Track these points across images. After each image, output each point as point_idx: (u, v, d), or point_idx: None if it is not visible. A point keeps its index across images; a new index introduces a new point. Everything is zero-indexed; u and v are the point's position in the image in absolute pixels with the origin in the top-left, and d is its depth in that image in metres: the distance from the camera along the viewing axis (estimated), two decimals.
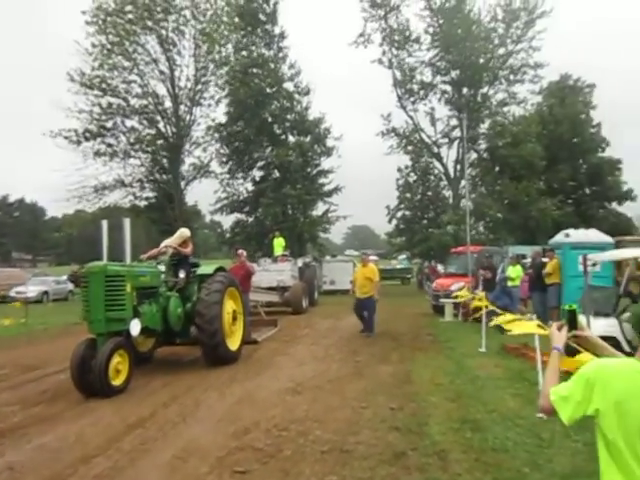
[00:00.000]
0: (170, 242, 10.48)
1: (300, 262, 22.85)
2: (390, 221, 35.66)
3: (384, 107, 45.73)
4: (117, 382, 7.77)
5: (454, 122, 34.75)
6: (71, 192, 30.39)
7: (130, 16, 29.64)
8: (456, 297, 15.36)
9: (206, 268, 10.59)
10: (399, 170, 35.31)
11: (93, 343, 7.94)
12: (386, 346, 11.65)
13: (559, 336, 2.43)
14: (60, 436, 5.90)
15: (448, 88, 34.69)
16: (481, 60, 32.40)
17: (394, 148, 36.01)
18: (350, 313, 19.35)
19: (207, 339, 9.49)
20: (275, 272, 20.18)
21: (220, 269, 10.69)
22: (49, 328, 16.99)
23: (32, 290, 28.75)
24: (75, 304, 28.25)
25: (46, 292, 30.41)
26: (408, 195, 34.58)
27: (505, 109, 34.83)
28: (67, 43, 39.32)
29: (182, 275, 10.03)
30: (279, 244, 23.16)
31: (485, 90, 34.18)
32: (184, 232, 10.73)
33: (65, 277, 37.23)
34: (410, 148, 35.64)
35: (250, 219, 34.90)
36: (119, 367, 7.81)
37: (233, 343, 10.26)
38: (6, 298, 27.57)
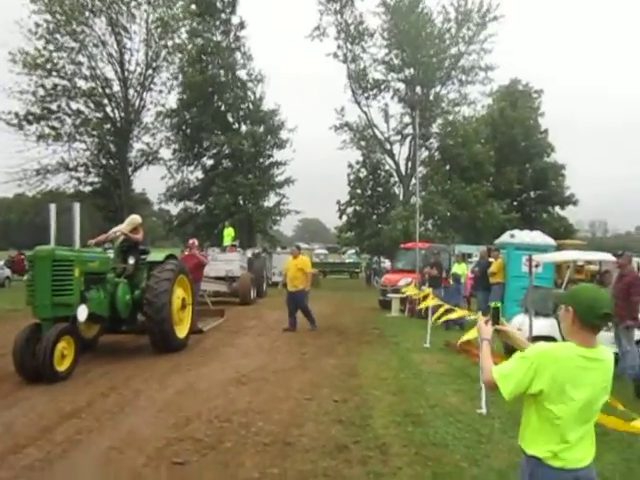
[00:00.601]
0: (120, 228, 10.38)
1: (249, 253, 22.70)
2: (341, 216, 35.83)
3: (339, 102, 45.69)
4: (62, 368, 7.64)
5: (407, 119, 35.13)
6: (11, 175, 29.21)
7: None
8: (403, 293, 15.51)
9: (156, 255, 10.50)
10: (350, 166, 35.48)
11: (38, 328, 7.80)
12: (332, 339, 11.66)
13: (486, 329, 2.84)
14: None
15: (401, 86, 35.02)
16: (434, 59, 32.79)
17: (347, 143, 36.17)
18: None
19: (155, 327, 9.46)
20: (224, 262, 19.97)
21: (171, 256, 10.59)
22: None
23: None
24: (12, 290, 27.27)
25: None
26: (359, 191, 34.77)
27: (457, 109, 35.43)
28: (7, 21, 37.57)
29: (131, 262, 9.95)
30: (229, 234, 22.93)
31: (438, 89, 34.66)
32: (135, 218, 10.62)
33: (2, 262, 35.79)
34: (363, 143, 35.82)
35: (200, 208, 34.40)
36: (65, 352, 7.69)
37: (181, 331, 10.24)
38: None
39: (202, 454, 4.90)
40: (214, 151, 33.81)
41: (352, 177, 35.27)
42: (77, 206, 9.52)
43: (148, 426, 5.67)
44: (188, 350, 10.09)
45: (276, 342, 11.25)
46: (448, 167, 34.05)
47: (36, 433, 5.39)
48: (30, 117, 29.28)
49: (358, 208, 35.12)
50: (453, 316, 9.30)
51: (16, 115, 28.88)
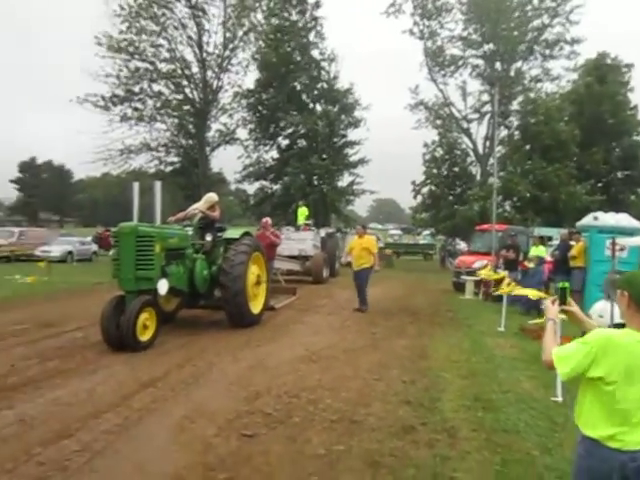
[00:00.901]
0: (198, 206, 10.74)
1: (323, 232, 22.76)
2: (415, 196, 35.29)
3: (414, 81, 44.80)
4: (144, 337, 8.09)
5: (485, 97, 34.11)
6: (98, 155, 30.68)
7: None
8: (478, 275, 15.15)
9: (233, 232, 10.76)
10: (426, 145, 34.81)
11: (122, 300, 8.22)
12: (404, 320, 11.58)
13: (552, 309, 2.83)
14: (72, 391, 5.97)
15: (480, 62, 33.91)
16: (515, 33, 31.47)
17: (422, 122, 35.52)
18: (370, 286, 19.39)
19: (230, 297, 9.75)
20: (297, 241, 20.16)
21: (246, 234, 10.83)
22: (71, 287, 17.20)
23: (56, 250, 29.25)
24: (98, 265, 28.71)
25: (70, 252, 30.77)
26: (435, 170, 34.08)
27: (539, 85, 33.98)
28: (96, 7, 39.19)
29: (209, 238, 10.27)
30: (302, 213, 23.10)
31: (519, 65, 33.36)
32: (212, 197, 10.93)
33: (90, 238, 37.69)
34: (439, 122, 35.08)
35: (275, 187, 34.83)
36: (147, 323, 8.12)
37: (255, 306, 10.52)
38: (31, 257, 28.01)
39: (271, 427, 5.00)
40: (289, 131, 34.01)
41: (428, 157, 34.60)
42: (158, 185, 10.11)
43: (220, 398, 5.84)
44: (260, 326, 10.30)
45: (347, 321, 11.29)
46: (528, 147, 32.74)
47: (115, 400, 5.67)
48: (115, 99, 30.61)
49: (433, 188, 34.43)
50: (525, 292, 8.99)
51: (102, 97, 30.25)
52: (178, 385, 6.26)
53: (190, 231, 10.20)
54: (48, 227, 66.57)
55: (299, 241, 20.12)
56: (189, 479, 3.98)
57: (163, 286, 8.60)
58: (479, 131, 34.83)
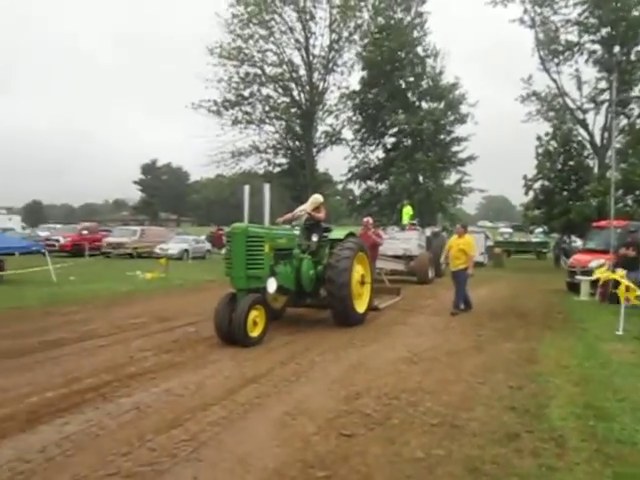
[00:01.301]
0: (304, 207, 11.04)
1: (428, 231, 22.43)
2: (527, 192, 33.80)
3: (523, 72, 42.69)
4: (254, 334, 8.43)
5: (603, 85, 31.91)
6: (211, 157, 32.19)
7: None
8: (594, 275, 14.28)
9: (337, 233, 10.91)
10: (539, 138, 33.22)
11: (234, 297, 8.62)
12: (512, 322, 11.15)
13: None
14: (183, 383, 6.29)
15: (597, 47, 31.77)
16: (635, 13, 29.15)
17: (533, 115, 33.91)
18: (477, 286, 18.84)
19: (336, 303, 9.99)
20: (402, 240, 20.01)
21: (351, 234, 10.98)
22: (185, 284, 18.18)
23: (174, 248, 30.99)
24: (211, 262, 30.05)
25: (186, 250, 32.47)
26: (548, 165, 32.44)
27: None
28: (210, 18, 41.08)
29: (315, 239, 10.59)
30: (407, 212, 22.90)
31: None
32: (317, 198, 11.23)
33: (204, 237, 39.53)
34: (552, 114, 33.33)
35: (381, 187, 34.70)
36: (256, 320, 8.45)
37: (360, 306, 10.65)
38: (151, 254, 29.90)
39: (369, 428, 5.00)
40: (395, 130, 33.76)
41: (540, 150, 33.02)
42: (267, 187, 10.61)
43: (320, 396, 5.92)
44: (363, 326, 10.32)
45: (451, 322, 11.05)
46: None
47: (222, 393, 5.92)
48: (226, 103, 31.91)
49: (547, 183, 32.83)
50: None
51: (215, 103, 31.65)
52: (281, 382, 6.42)
53: (297, 231, 10.47)
54: (167, 226, 70.57)
55: (404, 241, 19.95)
56: (288, 475, 4.06)
57: (272, 284, 8.98)
58: (596, 121, 32.72)
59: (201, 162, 32.63)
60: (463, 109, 33.03)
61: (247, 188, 10.33)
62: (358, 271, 10.65)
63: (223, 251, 33.66)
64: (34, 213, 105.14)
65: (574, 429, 5.05)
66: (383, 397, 5.90)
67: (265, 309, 8.73)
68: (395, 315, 11.88)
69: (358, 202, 35.82)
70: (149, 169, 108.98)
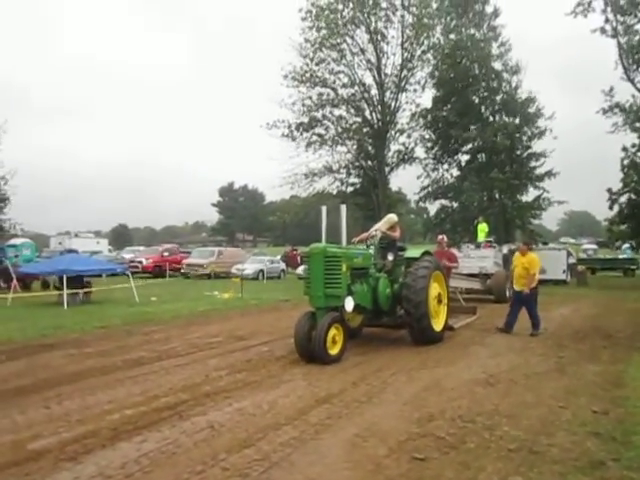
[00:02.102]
0: (379, 226, 11.11)
1: (505, 249, 21.80)
2: (612, 206, 32.19)
3: (603, 82, 40.85)
4: (334, 351, 8.57)
5: None
6: (285, 179, 32.70)
7: (342, 9, 30.67)
8: None
9: (413, 252, 10.98)
10: (625, 149, 31.65)
11: (313, 316, 8.81)
12: (596, 343, 10.59)
13: None
14: (256, 402, 6.36)
15: None
16: None
17: (619, 126, 32.37)
18: (559, 305, 18.11)
19: (414, 323, 9.99)
20: (477, 258, 19.58)
21: (426, 253, 11.00)
22: (260, 303, 18.46)
23: (249, 268, 31.61)
24: (286, 282, 30.44)
25: (262, 270, 33.05)
26: (635, 177, 30.78)
27: None
28: (283, 41, 42.26)
29: (390, 258, 10.61)
30: (482, 230, 22.40)
31: None
32: (392, 217, 11.30)
33: (279, 257, 40.09)
34: (638, 125, 31.70)
35: (455, 204, 34.10)
36: (335, 338, 8.61)
37: (438, 324, 10.62)
38: (229, 274, 30.62)
39: (443, 452, 4.86)
40: (469, 146, 33.19)
41: (626, 162, 31.44)
42: (344, 207, 10.75)
43: (392, 418, 5.81)
44: (437, 347, 10.11)
45: (530, 343, 10.63)
46: None
47: (294, 413, 5.93)
48: (300, 127, 32.37)
49: (634, 197, 31.18)
50: None
51: (288, 126, 32.20)
52: (352, 403, 6.36)
53: (372, 251, 10.52)
54: (243, 247, 72.11)
55: (479, 259, 19.51)
56: None
57: (349, 303, 9.03)
58: None
59: (275, 184, 33.18)
60: (540, 123, 32.02)
61: (324, 209, 10.55)
62: (435, 289, 10.61)
63: (298, 270, 34.14)
64: (120, 236, 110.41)
65: None
66: (457, 420, 5.73)
67: (344, 327, 8.85)
68: (471, 335, 11.59)
69: (433, 221, 35.31)
70: (226, 191, 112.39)
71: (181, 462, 4.64)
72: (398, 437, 5.22)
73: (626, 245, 38.37)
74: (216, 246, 48.53)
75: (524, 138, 31.77)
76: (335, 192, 34.16)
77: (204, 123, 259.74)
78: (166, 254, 36.17)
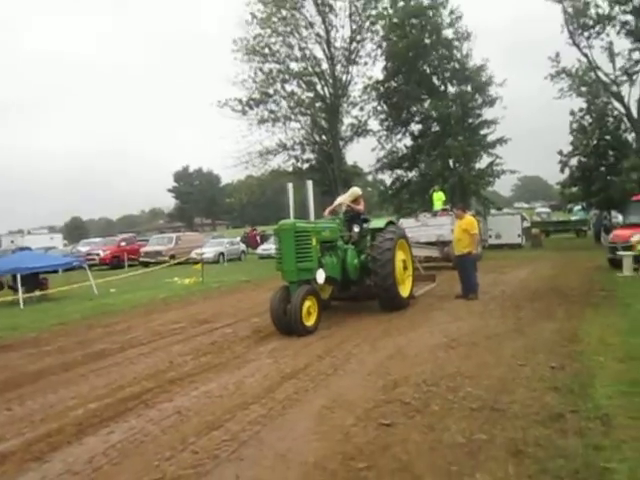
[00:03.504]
0: (343, 199, 11.42)
1: None
2: (563, 170, 32.99)
3: (550, 50, 41.56)
4: (309, 322, 8.96)
5: (637, 55, 30.86)
6: (239, 159, 32.32)
7: None
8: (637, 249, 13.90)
9: (377, 222, 11.32)
10: (572, 114, 32.38)
11: (287, 290, 9.08)
12: (552, 302, 10.91)
13: None
14: (223, 384, 6.38)
15: (629, 18, 30.74)
16: None
17: (565, 91, 33.02)
18: (515, 267, 18.57)
19: (381, 281, 10.31)
20: (434, 226, 19.87)
21: (391, 223, 11.43)
22: (222, 286, 18.39)
23: (209, 251, 31.29)
24: (247, 263, 30.32)
25: (222, 253, 32.82)
26: (584, 140, 31.55)
27: None
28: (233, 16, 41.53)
29: (356, 230, 10.99)
30: (439, 198, 22.64)
31: None
32: (356, 191, 11.59)
33: (238, 238, 39.85)
34: (584, 89, 32.40)
35: (411, 174, 34.27)
36: (310, 310, 8.91)
37: (404, 290, 11.07)
38: (188, 259, 30.24)
39: (409, 416, 4.96)
40: (421, 117, 33.28)
41: (575, 126, 32.21)
42: (310, 183, 11.07)
43: (358, 388, 5.90)
44: (399, 315, 10.27)
45: (489, 305, 10.90)
46: None
47: (261, 392, 5.97)
48: (251, 102, 31.98)
49: (583, 159, 32.01)
50: None
51: (240, 101, 31.78)
52: (318, 376, 6.43)
53: (338, 224, 10.83)
54: (202, 231, 71.33)
55: (437, 227, 19.79)
56: (329, 468, 4.06)
57: (321, 275, 9.39)
58: (632, 93, 31.66)
59: (229, 164, 32.69)
60: (492, 91, 32.16)
61: (290, 186, 10.85)
62: (400, 258, 11.00)
63: (258, 250, 34.07)
64: (75, 229, 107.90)
65: (620, 407, 4.91)
66: (422, 384, 5.85)
67: (317, 299, 9.20)
68: (431, 302, 11.80)
69: (389, 192, 35.47)
70: (181, 176, 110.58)
71: (150, 450, 4.62)
72: (364, 405, 5.31)
73: (577, 207, 39.50)
74: (174, 232, 47.97)
75: (476, 106, 31.95)
76: (290, 169, 34.00)
77: (153, 108, 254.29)
78: (123, 244, 35.55)
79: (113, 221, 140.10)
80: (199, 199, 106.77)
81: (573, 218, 42.30)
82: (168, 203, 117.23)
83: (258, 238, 43.05)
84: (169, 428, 5.10)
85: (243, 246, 37.49)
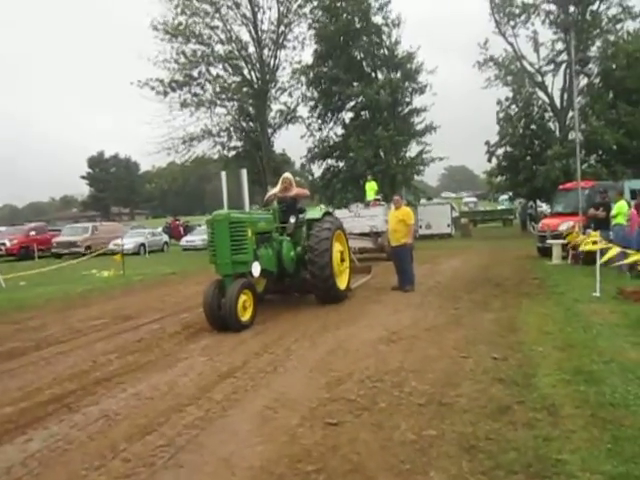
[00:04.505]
0: (274, 191, 11.36)
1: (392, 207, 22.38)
2: (490, 159, 34.18)
3: (479, 39, 42.49)
4: (245, 317, 8.80)
5: (560, 46, 32.35)
6: (161, 144, 31.35)
7: None
8: (565, 237, 14.53)
9: (314, 212, 11.28)
10: (499, 103, 33.56)
11: (221, 284, 8.97)
12: (487, 292, 11.24)
13: None
14: (153, 385, 6.10)
15: (553, 8, 32.14)
16: None
17: (492, 80, 34.16)
18: (448, 257, 19.04)
19: (318, 271, 10.24)
20: (368, 217, 20.01)
21: (327, 213, 11.42)
22: (145, 279, 17.84)
23: (129, 242, 30.32)
24: (170, 255, 29.61)
25: (143, 244, 31.93)
26: (510, 130, 32.74)
27: (618, 26, 31.76)
28: None
29: (292, 220, 10.85)
30: (371, 188, 22.81)
31: (595, 7, 31.32)
32: (285, 177, 11.46)
33: (160, 229, 38.89)
34: (510, 79, 33.62)
35: (342, 164, 34.39)
36: (246, 304, 8.83)
37: (342, 282, 11.08)
38: (107, 251, 29.15)
39: (356, 415, 4.90)
40: (352, 104, 33.34)
41: (501, 115, 33.36)
42: (244, 172, 10.74)
43: (300, 386, 5.80)
44: (337, 309, 10.25)
45: (427, 297, 11.07)
46: (612, 94, 30.99)
47: (196, 392, 5.74)
48: (174, 84, 30.98)
49: (509, 149, 33.23)
50: (628, 260, 8.51)
51: (161, 82, 30.71)
52: (257, 374, 6.27)
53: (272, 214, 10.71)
54: (120, 221, 69.12)
55: (370, 217, 19.96)
56: (276, 472, 3.93)
57: (257, 268, 9.27)
58: (555, 83, 33.16)
59: (150, 150, 31.65)
60: (421, 79, 32.65)
61: (224, 174, 10.47)
62: (338, 249, 10.98)
63: (182, 242, 33.37)
64: None
65: (565, 396, 5.05)
66: (366, 381, 5.81)
67: (253, 293, 9.06)
68: (368, 294, 11.86)
69: (319, 182, 35.42)
70: (96, 162, 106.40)
71: (75, 459, 4.33)
72: (309, 404, 5.20)
73: (504, 196, 41.10)
74: (89, 222, 46.19)
75: (406, 94, 32.36)
76: (216, 156, 33.42)
77: (63, 90, 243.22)
78: (33, 233, 33.80)
79: (19, 209, 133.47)
80: (116, 187, 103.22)
81: (499, 207, 43.97)
82: (82, 191, 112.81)
83: (181, 229, 42.20)
84: (96, 434, 4.81)
85: (166, 237, 36.63)
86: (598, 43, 31.54)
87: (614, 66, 30.03)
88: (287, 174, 11.59)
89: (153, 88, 30.73)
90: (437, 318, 8.93)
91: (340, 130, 34.26)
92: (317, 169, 35.65)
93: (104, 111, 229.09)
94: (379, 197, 22.56)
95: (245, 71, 32.41)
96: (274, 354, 7.16)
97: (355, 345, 7.41)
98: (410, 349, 7.05)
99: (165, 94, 30.99)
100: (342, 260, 11.20)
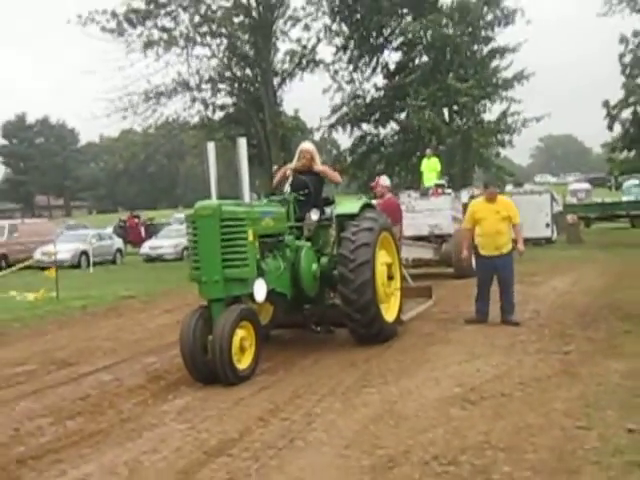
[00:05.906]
0: (290, 167, 11.31)
1: (465, 196, 22.26)
2: (611, 126, 33.95)
3: None
4: (243, 364, 8.66)
5: None
6: (113, 102, 31.47)
7: None
8: None
9: (347, 205, 11.20)
10: (623, 41, 33.27)
11: (207, 313, 8.82)
12: (615, 328, 11.17)
13: None
14: (107, 465, 6.05)
15: None
16: None
17: (614, 4, 33.97)
18: (550, 274, 18.89)
19: (354, 295, 10.04)
20: (426, 213, 19.89)
21: (367, 206, 11.18)
22: (89, 304, 17.97)
23: (65, 250, 30.53)
24: (125, 269, 29.78)
25: (84, 252, 32.18)
26: None
27: None
28: None
29: (314, 217, 10.59)
30: (433, 168, 22.76)
31: None
32: (306, 149, 11.34)
33: (110, 229, 39.27)
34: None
35: (384, 131, 34.29)
36: (244, 344, 8.63)
37: (389, 311, 11.00)
38: (31, 264, 29.31)
39: None
40: (400, 40, 33.25)
41: (628, 59, 33.15)
42: (243, 143, 10.16)
43: (332, 469, 5.75)
44: (382, 352, 10.23)
45: (519, 335, 11.01)
46: None
47: (171, 478, 5.70)
48: (132, 16, 30.96)
49: None
50: None
51: (113, 15, 30.71)
52: (264, 451, 6.20)
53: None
54: (50, 217, 70.05)
55: (430, 213, 19.82)
56: None
57: (261, 289, 9.01)
58: None
59: (96, 112, 31.85)
60: (508, 2, 32.21)
61: (212, 146, 9.97)
62: (383, 261, 10.85)
63: (144, 249, 33.54)
64: None
65: None
66: (432, 463, 5.74)
67: (255, 327, 8.89)
68: (429, 329, 11.90)
69: (349, 159, 35.36)
70: (14, 129, 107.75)
71: None
72: None
73: (632, 182, 40.65)
74: (5, 218, 46.76)
75: (484, 26, 31.97)
76: (195, 119, 33.60)
77: None
78: None
79: None
80: (44, 167, 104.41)
81: (625, 199, 43.52)
82: None
83: (142, 229, 42.42)
84: None
85: (119, 242, 36.91)
86: None
87: None
88: (307, 144, 11.59)
89: (102, 25, 30.73)
90: (537, 368, 8.88)
91: (382, 81, 34.21)
92: (346, 139, 35.65)
93: (24, 52, 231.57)
94: (443, 182, 22.49)
95: None
96: (289, 420, 7.12)
97: (412, 407, 7.37)
98: (498, 415, 6.99)
99: (120, 33, 30.95)
100: (390, 278, 11.04)
